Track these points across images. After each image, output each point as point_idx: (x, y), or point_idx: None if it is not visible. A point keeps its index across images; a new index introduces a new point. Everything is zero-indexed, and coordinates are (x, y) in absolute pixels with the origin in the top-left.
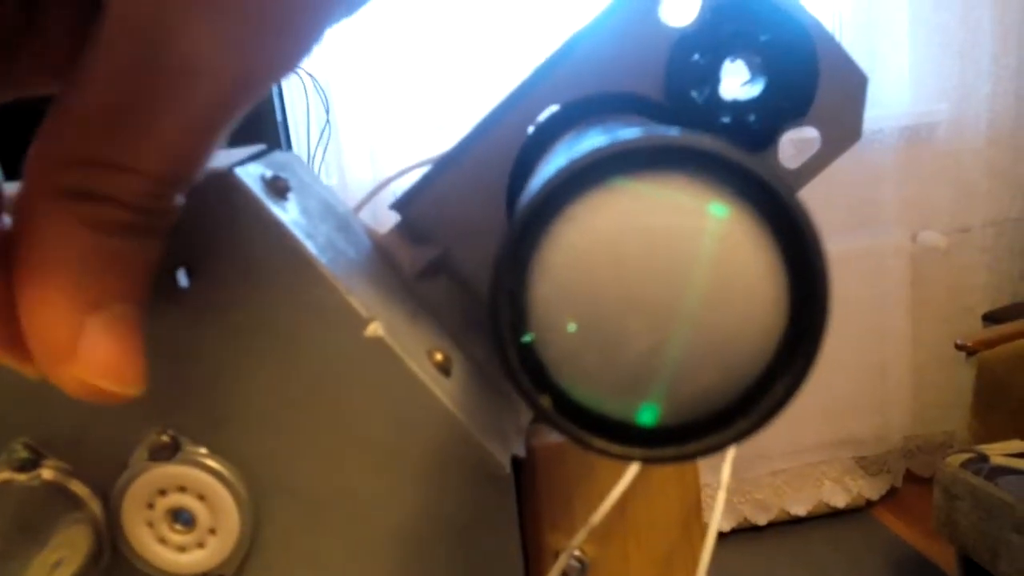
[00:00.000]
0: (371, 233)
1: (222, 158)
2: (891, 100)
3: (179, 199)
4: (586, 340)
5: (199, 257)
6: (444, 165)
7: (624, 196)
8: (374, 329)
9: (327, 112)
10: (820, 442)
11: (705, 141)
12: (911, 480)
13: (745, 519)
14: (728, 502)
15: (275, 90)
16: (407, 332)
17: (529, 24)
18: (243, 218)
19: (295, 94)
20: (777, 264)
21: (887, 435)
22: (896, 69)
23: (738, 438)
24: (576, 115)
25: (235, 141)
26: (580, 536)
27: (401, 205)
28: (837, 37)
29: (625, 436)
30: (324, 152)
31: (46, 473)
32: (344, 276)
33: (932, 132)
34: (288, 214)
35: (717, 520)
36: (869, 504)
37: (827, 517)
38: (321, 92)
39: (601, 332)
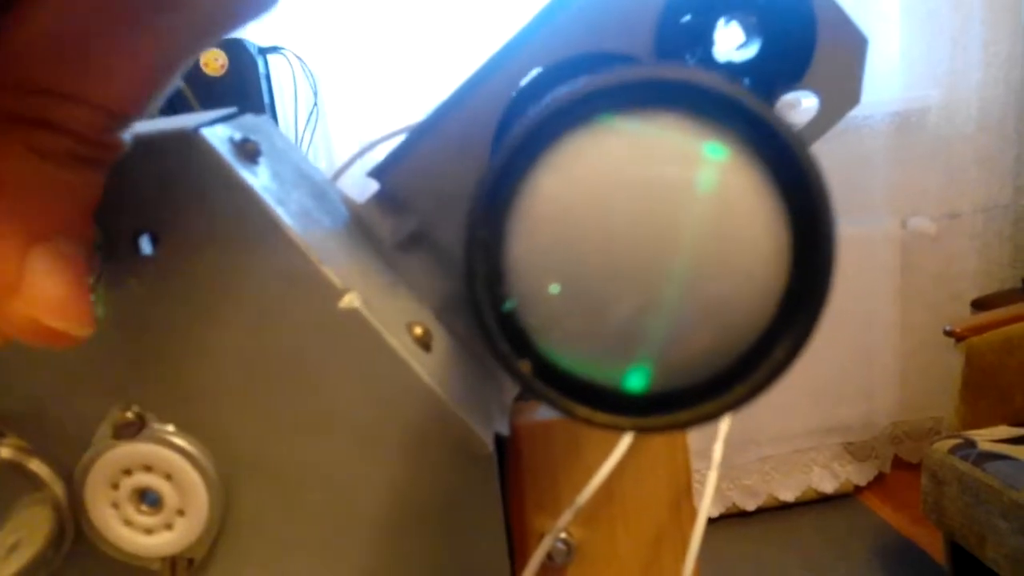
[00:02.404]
0: (348, 202)
1: (189, 119)
2: (882, 86)
3: (127, 133)
4: (570, 301)
5: (164, 222)
6: (424, 131)
7: (610, 137)
8: (349, 300)
9: (315, 95)
10: (808, 428)
11: (701, 75)
12: (899, 466)
13: (734, 505)
14: (716, 488)
15: (263, 71)
16: (385, 305)
17: (520, 4)
18: (210, 181)
19: (283, 76)
20: (779, 214)
21: (875, 421)
22: (887, 55)
23: (735, 405)
24: (561, 77)
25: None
26: (565, 518)
27: (379, 172)
28: None
29: (612, 404)
30: (312, 134)
31: (3, 451)
32: (318, 245)
33: (923, 118)
34: (258, 179)
35: (708, 503)
36: (857, 490)
37: (815, 503)
38: (309, 75)
39: (586, 292)
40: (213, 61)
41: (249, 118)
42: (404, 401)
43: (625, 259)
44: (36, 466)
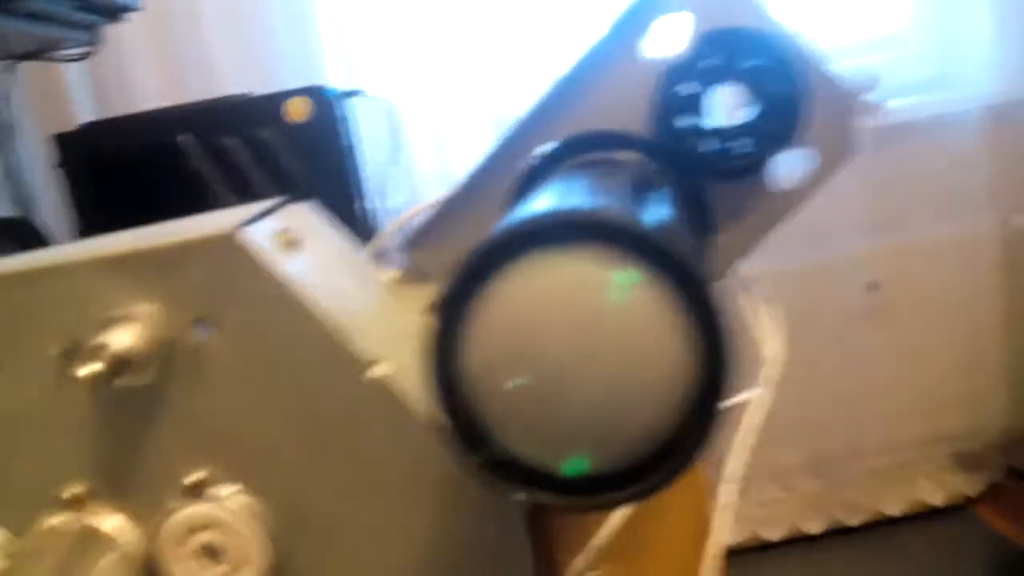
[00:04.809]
0: (381, 275)
1: (238, 214)
2: (974, 79)
3: None
4: (514, 403)
5: (215, 312)
6: (444, 208)
7: (540, 269)
8: (377, 371)
9: (395, 133)
10: (912, 438)
11: (614, 215)
12: (1014, 475)
13: (836, 521)
14: (816, 504)
15: (344, 114)
16: (413, 369)
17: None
18: (250, 275)
19: (365, 115)
20: (682, 328)
21: (983, 428)
22: (979, 47)
23: (659, 487)
24: (566, 152)
25: (311, 165)
26: (585, 555)
27: (406, 248)
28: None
29: (556, 487)
30: (395, 172)
31: (90, 514)
32: (350, 322)
33: (1020, 111)
34: (295, 267)
35: (721, 536)
36: (969, 501)
37: (923, 516)
38: (389, 114)
39: (527, 395)
40: (297, 109)
41: (293, 207)
42: (432, 459)
43: (559, 367)
44: (116, 527)
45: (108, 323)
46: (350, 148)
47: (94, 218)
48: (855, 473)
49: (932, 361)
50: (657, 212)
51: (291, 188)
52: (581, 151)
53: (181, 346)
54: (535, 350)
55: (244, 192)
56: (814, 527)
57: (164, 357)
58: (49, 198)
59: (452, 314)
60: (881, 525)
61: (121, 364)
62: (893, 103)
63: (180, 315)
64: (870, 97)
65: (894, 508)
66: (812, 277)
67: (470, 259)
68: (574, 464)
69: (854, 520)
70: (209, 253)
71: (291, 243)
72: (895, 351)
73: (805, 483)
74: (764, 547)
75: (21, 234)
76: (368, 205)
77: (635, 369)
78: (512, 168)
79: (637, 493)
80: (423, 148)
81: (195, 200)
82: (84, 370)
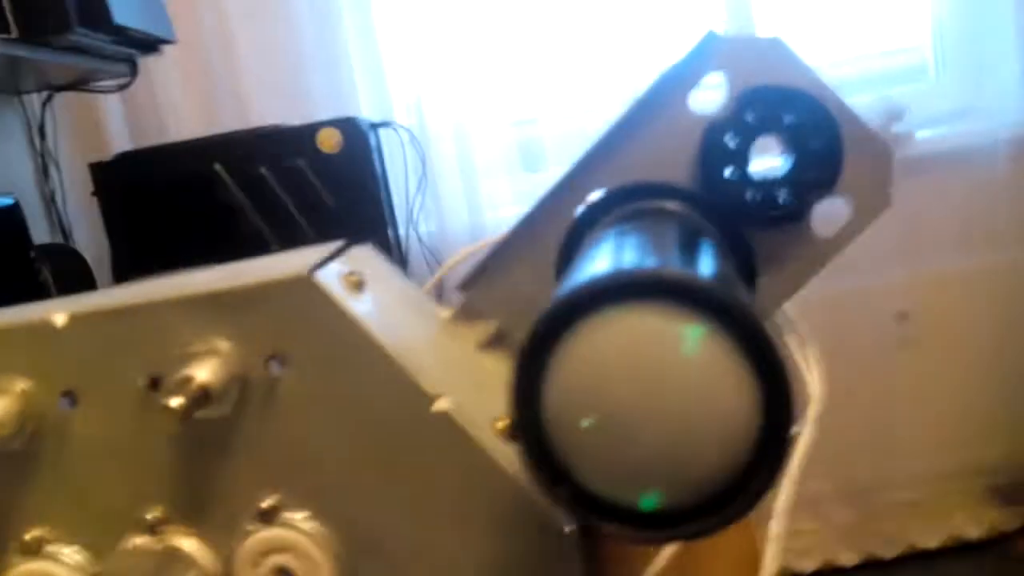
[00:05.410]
0: (439, 312)
1: (308, 256)
2: (999, 111)
3: None
4: (593, 442)
5: (288, 349)
6: (497, 250)
7: (611, 324)
8: (441, 404)
9: (423, 164)
10: (948, 470)
11: (674, 272)
12: None
13: (871, 554)
14: (850, 536)
15: (374, 144)
16: (472, 402)
17: (620, 64)
18: (322, 315)
19: (393, 148)
20: (745, 374)
21: (1021, 462)
22: (1003, 79)
23: (727, 522)
24: (617, 200)
25: (342, 194)
26: None
27: (463, 287)
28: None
29: (632, 520)
30: (423, 199)
31: (169, 537)
32: (413, 357)
33: None
34: (362, 306)
35: (771, 568)
36: (1005, 536)
37: (960, 550)
38: (417, 145)
39: (602, 436)
40: (329, 139)
41: (355, 250)
42: (491, 488)
43: (630, 414)
44: (195, 549)
45: (190, 358)
46: (380, 177)
47: (128, 244)
48: (889, 505)
49: (965, 391)
50: (709, 264)
51: (323, 217)
52: (631, 200)
53: (256, 380)
54: (609, 397)
55: (276, 220)
56: (848, 559)
57: (240, 390)
58: (85, 225)
59: (533, 364)
60: (917, 558)
61: (202, 397)
62: (920, 134)
63: (256, 351)
64: (898, 127)
65: (930, 541)
66: (841, 306)
67: (547, 315)
68: (648, 500)
69: (889, 553)
70: (285, 293)
71: (357, 284)
72: (927, 381)
73: (838, 514)
74: None
75: (62, 260)
76: (399, 233)
77: (702, 413)
78: (563, 213)
79: (710, 527)
80: (450, 176)
81: (227, 228)
82: (169, 401)
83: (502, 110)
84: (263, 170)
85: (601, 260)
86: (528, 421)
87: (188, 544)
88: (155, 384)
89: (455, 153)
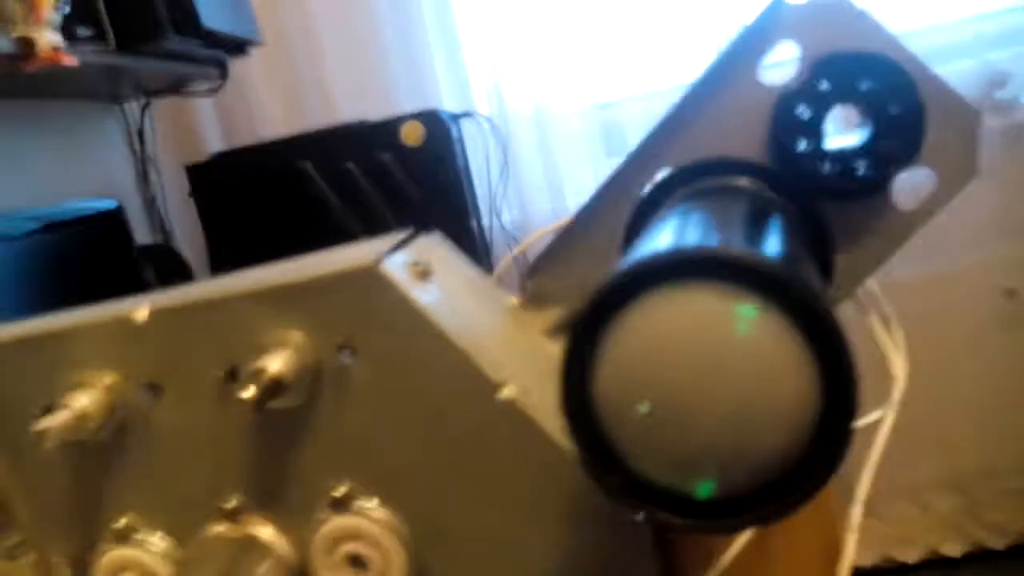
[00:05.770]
0: (508, 300)
1: (375, 246)
2: None
3: None
4: (647, 428)
5: (358, 338)
6: (564, 234)
7: (666, 303)
8: (507, 392)
9: (504, 152)
10: None
11: (732, 251)
12: None
13: (978, 544)
14: (955, 525)
15: (456, 135)
16: (539, 390)
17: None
18: (390, 305)
19: (474, 137)
20: (805, 356)
21: None
22: None
23: (785, 512)
24: (684, 179)
25: (426, 186)
26: (711, 574)
27: (530, 274)
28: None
29: (685, 508)
30: (505, 188)
31: (247, 524)
32: (479, 345)
33: None
34: (429, 295)
35: (850, 558)
36: None
37: None
38: (498, 133)
39: (659, 421)
40: (412, 132)
41: (422, 239)
42: (560, 475)
43: (684, 396)
44: (273, 536)
45: (263, 349)
46: (463, 168)
47: (224, 241)
48: (996, 493)
49: None
50: (775, 242)
51: (408, 209)
52: (698, 177)
53: (326, 370)
54: (663, 379)
55: (363, 214)
56: (953, 549)
57: (311, 380)
58: (184, 225)
59: (585, 344)
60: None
61: (275, 387)
62: None
63: (326, 341)
64: (1001, 94)
65: None
66: (944, 284)
67: (600, 293)
68: (702, 487)
69: (998, 543)
70: (353, 284)
71: (423, 273)
72: None
73: (942, 502)
74: (900, 570)
75: (163, 259)
76: (483, 222)
77: (759, 397)
78: (629, 194)
79: (763, 517)
80: (532, 163)
81: (317, 223)
82: (244, 392)
83: (583, 94)
84: (349, 165)
85: (660, 239)
86: (579, 405)
87: (265, 532)
88: (231, 375)
89: (536, 140)
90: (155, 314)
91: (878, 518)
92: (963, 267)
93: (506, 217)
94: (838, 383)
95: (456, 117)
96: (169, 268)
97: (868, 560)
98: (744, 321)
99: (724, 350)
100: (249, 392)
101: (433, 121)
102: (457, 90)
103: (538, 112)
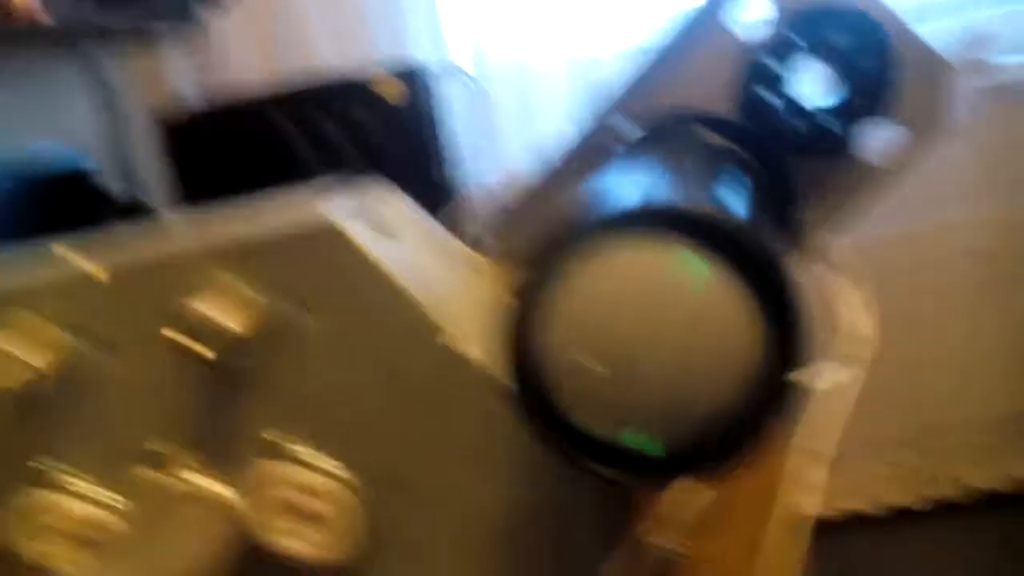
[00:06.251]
0: (469, 254)
1: (332, 199)
2: None
3: None
4: (592, 382)
5: (315, 296)
6: (531, 189)
7: (615, 256)
8: (460, 346)
9: (486, 110)
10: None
11: (683, 206)
12: None
13: (944, 498)
14: (922, 480)
15: (436, 93)
16: (496, 346)
17: None
18: (346, 261)
19: (455, 94)
20: (753, 313)
21: None
22: None
23: (732, 468)
24: (651, 132)
25: (406, 144)
26: (664, 529)
27: (495, 230)
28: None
29: (636, 466)
30: (487, 146)
31: (187, 471)
32: (436, 301)
33: None
34: (387, 251)
35: (812, 510)
36: None
37: None
38: (479, 92)
39: (599, 373)
40: (391, 90)
41: (382, 192)
42: (514, 427)
43: (630, 351)
44: (214, 483)
45: (217, 305)
46: (442, 126)
47: (199, 200)
48: (961, 448)
49: None
50: (733, 198)
51: (388, 168)
52: (667, 131)
53: (280, 326)
54: (609, 332)
55: (341, 172)
56: (916, 504)
57: (264, 336)
58: (158, 182)
59: (532, 294)
60: (991, 504)
61: (230, 343)
62: (1009, 61)
63: (281, 297)
64: (981, 56)
65: (1004, 486)
66: (921, 242)
67: (551, 245)
68: (645, 442)
69: (961, 498)
70: (310, 242)
71: (382, 228)
72: (1007, 322)
73: (910, 458)
74: (865, 521)
75: (138, 215)
76: (461, 181)
77: (705, 353)
78: (597, 149)
79: (705, 472)
80: (513, 123)
81: (295, 182)
82: (199, 347)
83: (566, 51)
84: (327, 123)
85: (616, 193)
86: (522, 356)
87: (208, 483)
88: (185, 332)
89: (518, 98)
90: (110, 269)
91: (843, 472)
92: (939, 226)
93: (487, 176)
94: (785, 342)
95: (436, 74)
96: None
97: (831, 513)
98: (694, 276)
99: (672, 304)
100: (203, 349)
101: (413, 79)
102: (438, 47)
103: (520, 69)
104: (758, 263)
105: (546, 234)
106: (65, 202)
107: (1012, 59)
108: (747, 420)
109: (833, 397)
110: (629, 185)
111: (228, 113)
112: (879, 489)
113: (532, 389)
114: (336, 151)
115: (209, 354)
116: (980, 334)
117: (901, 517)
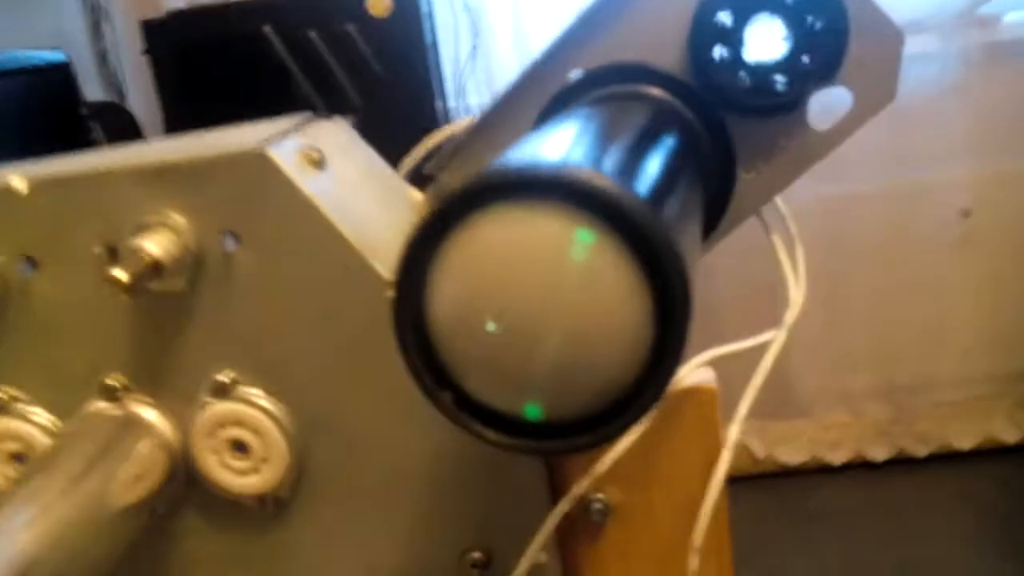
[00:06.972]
0: (412, 194)
1: (263, 130)
2: None
3: None
4: (476, 346)
5: (243, 225)
6: (472, 131)
7: (504, 221)
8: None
9: (475, 31)
10: (991, 373)
11: (574, 172)
12: None
13: (903, 451)
14: (884, 432)
15: (426, 10)
16: None
17: None
18: (276, 192)
19: (445, 14)
20: (639, 286)
21: None
22: None
23: (616, 434)
24: (595, 82)
25: (391, 61)
26: (586, 480)
27: (435, 168)
28: None
29: (518, 431)
30: (474, 69)
31: (129, 404)
32: (371, 239)
33: None
34: (320, 184)
35: (722, 471)
36: None
37: (995, 453)
38: (470, 11)
39: (488, 340)
40: (379, 3)
41: (320, 124)
42: None
43: (516, 318)
44: (154, 416)
45: (143, 229)
46: (431, 45)
47: (179, 104)
48: (928, 404)
49: (1008, 295)
50: (651, 162)
51: (370, 84)
52: (607, 82)
53: (210, 255)
54: (496, 298)
55: (323, 85)
56: (879, 454)
57: (194, 265)
58: (139, 83)
59: (421, 255)
60: (949, 459)
61: (153, 269)
62: (1008, 18)
63: (209, 226)
64: (985, 9)
65: (965, 443)
66: (902, 200)
67: (439, 206)
68: (530, 409)
69: (922, 451)
70: (237, 168)
71: (316, 161)
72: (982, 282)
73: (875, 410)
74: (825, 470)
75: (113, 119)
76: (448, 104)
77: (590, 325)
78: (541, 93)
79: (586, 443)
80: (502, 45)
81: (276, 90)
82: (119, 273)
83: None
84: (312, 33)
85: (526, 149)
86: (411, 320)
87: (146, 412)
88: (111, 253)
89: (509, 18)
90: (35, 184)
91: (811, 420)
92: (925, 183)
93: (473, 100)
94: (669, 319)
95: None
96: (118, 127)
97: (796, 460)
98: (581, 247)
99: (558, 273)
100: (122, 273)
101: None
102: None
103: None
104: (645, 237)
105: (444, 191)
106: (36, 101)
107: (1012, 16)
108: (633, 394)
109: (756, 357)
110: (542, 142)
111: (211, 17)
112: (842, 437)
113: (424, 351)
114: (319, 63)
115: (124, 277)
116: (954, 292)
117: (860, 466)
